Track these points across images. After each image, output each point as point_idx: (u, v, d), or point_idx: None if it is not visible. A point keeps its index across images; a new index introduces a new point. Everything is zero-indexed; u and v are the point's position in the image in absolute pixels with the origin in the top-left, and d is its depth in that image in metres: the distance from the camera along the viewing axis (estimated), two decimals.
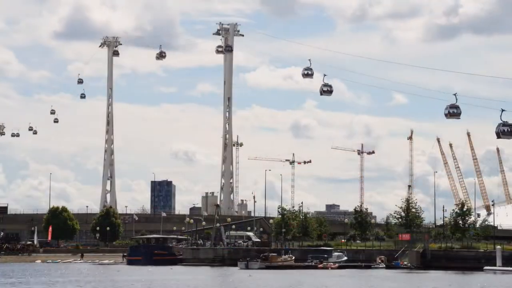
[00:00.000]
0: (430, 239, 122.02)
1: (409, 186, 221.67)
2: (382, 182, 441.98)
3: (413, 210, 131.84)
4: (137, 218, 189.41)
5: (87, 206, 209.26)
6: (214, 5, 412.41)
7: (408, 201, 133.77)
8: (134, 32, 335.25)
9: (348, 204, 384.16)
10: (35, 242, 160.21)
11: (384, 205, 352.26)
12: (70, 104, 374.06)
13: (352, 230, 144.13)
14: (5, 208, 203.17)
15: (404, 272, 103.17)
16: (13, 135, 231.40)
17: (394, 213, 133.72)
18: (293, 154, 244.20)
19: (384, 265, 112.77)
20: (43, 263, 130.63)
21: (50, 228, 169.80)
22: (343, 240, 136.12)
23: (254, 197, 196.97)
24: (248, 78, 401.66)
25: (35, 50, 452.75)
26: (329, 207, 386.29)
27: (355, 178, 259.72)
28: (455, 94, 59.22)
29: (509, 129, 54.89)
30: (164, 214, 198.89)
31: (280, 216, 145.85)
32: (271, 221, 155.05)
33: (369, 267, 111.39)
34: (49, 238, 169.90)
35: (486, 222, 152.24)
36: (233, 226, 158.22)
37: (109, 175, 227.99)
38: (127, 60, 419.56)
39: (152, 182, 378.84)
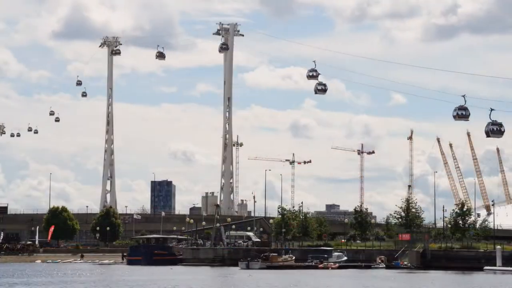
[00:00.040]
0: (430, 239, 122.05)
1: (409, 186, 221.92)
2: (382, 182, 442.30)
3: (413, 210, 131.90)
4: (140, 217, 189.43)
5: (87, 206, 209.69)
6: (214, 5, 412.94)
7: (408, 201, 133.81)
8: (133, 32, 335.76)
9: (348, 204, 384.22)
10: (36, 242, 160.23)
11: (384, 205, 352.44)
12: (70, 104, 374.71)
13: (352, 230, 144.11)
14: (5, 208, 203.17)
15: (404, 272, 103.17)
16: (12, 135, 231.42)
17: (394, 213, 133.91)
18: (293, 154, 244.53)
19: (384, 265, 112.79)
20: (43, 263, 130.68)
21: (51, 228, 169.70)
22: (343, 240, 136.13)
23: (254, 197, 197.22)
24: (247, 78, 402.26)
25: (34, 50, 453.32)
26: (329, 207, 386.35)
27: (355, 178, 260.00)
28: (463, 96, 58.69)
29: (498, 128, 55.94)
30: (164, 214, 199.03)
31: (280, 216, 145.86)
32: (271, 221, 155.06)
33: (369, 267, 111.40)
34: (49, 238, 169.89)
35: (486, 222, 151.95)
36: (233, 226, 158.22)
37: (109, 175, 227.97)
38: (127, 60, 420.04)
39: (152, 182, 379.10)
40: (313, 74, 79.76)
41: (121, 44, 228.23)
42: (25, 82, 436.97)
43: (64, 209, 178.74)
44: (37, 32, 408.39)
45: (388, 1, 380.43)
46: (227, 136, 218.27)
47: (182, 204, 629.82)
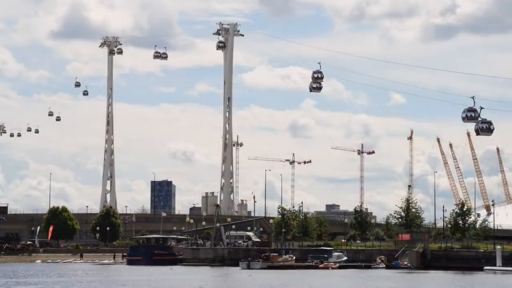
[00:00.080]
0: (430, 239, 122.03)
1: (409, 186, 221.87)
2: (382, 182, 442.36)
3: (413, 210, 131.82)
4: (134, 220, 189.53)
5: (87, 206, 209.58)
6: (213, 4, 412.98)
7: (408, 201, 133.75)
8: (132, 32, 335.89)
9: (348, 204, 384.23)
10: (36, 242, 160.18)
11: (384, 205, 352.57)
12: (70, 104, 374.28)
13: (352, 230, 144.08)
14: (5, 208, 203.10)
15: (404, 272, 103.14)
16: (11, 135, 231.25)
17: (394, 213, 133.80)
18: (293, 154, 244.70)
19: (384, 265, 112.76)
20: (43, 263, 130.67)
21: (51, 228, 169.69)
22: (343, 240, 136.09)
23: (254, 197, 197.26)
24: (245, 78, 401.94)
25: (33, 50, 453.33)
26: (329, 207, 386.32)
27: (355, 178, 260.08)
28: (473, 97, 58.58)
29: (487, 126, 56.81)
30: (164, 214, 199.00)
31: (280, 216, 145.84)
32: (271, 221, 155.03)
33: (369, 267, 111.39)
34: (49, 238, 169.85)
35: (486, 222, 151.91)
36: (233, 226, 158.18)
37: (109, 175, 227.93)
38: (127, 60, 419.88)
39: (152, 182, 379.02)
40: (318, 76, 79.74)
41: (121, 44, 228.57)
42: (24, 82, 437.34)
43: (64, 209, 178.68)
44: (36, 32, 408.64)
45: (387, 1, 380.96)
46: (227, 136, 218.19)
47: (182, 204, 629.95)
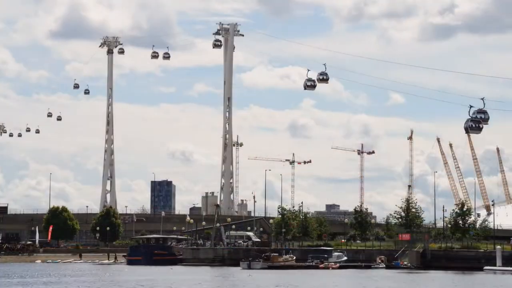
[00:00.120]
0: (430, 239, 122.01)
1: (409, 186, 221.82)
2: (382, 182, 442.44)
3: (413, 210, 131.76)
4: (135, 220, 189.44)
5: (87, 206, 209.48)
6: (212, 4, 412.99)
7: (408, 201, 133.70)
8: (131, 31, 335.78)
9: (348, 204, 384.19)
10: (36, 242, 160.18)
11: (384, 205, 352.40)
12: (69, 104, 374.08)
13: (352, 230, 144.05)
14: (5, 208, 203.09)
15: (404, 272, 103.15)
16: (11, 135, 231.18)
17: (394, 213, 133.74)
18: (293, 154, 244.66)
19: (384, 265, 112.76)
20: (43, 263, 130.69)
21: (50, 228, 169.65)
22: (343, 240, 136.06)
23: (254, 197, 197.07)
24: (244, 78, 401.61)
25: (32, 50, 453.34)
26: (329, 207, 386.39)
27: (355, 178, 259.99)
28: (482, 99, 58.52)
29: (476, 125, 57.16)
30: (164, 214, 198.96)
31: (280, 216, 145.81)
32: (271, 221, 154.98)
33: (369, 267, 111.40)
34: (49, 238, 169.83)
35: (486, 222, 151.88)
36: (233, 226, 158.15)
37: (109, 175, 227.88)
38: (126, 60, 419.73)
39: (152, 182, 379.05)
40: (323, 77, 79.79)
41: (121, 44, 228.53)
42: (24, 82, 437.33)
43: (64, 209, 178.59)
44: (36, 32, 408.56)
45: (385, 1, 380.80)
46: (227, 136, 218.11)
47: (182, 204, 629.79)
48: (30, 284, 72.64)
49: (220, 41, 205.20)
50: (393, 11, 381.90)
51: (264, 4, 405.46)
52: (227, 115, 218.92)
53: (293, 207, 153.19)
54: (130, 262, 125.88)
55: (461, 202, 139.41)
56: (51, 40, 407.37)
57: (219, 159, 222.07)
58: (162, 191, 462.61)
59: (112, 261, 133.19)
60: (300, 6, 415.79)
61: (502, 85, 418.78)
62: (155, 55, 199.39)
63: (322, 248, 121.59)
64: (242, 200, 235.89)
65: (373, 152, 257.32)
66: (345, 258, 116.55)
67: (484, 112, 58.92)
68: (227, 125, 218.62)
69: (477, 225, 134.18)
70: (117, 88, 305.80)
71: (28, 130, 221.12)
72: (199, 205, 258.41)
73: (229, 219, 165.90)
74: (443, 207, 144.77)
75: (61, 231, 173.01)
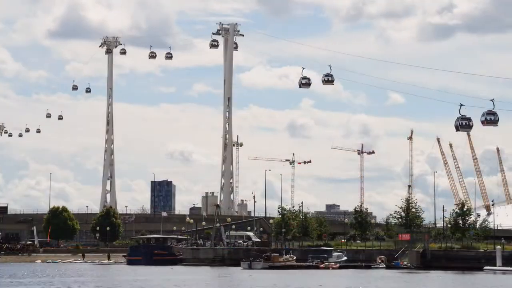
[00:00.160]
0: (430, 239, 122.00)
1: (409, 186, 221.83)
2: (381, 182, 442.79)
3: (413, 210, 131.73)
4: (133, 219, 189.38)
5: (87, 206, 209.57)
6: (212, 4, 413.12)
7: (408, 201, 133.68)
8: (130, 31, 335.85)
9: (348, 204, 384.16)
10: (35, 242, 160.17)
11: (384, 205, 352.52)
12: (69, 104, 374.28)
13: (352, 230, 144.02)
14: (5, 208, 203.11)
15: (404, 272, 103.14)
16: (10, 135, 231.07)
17: (394, 213, 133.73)
18: (293, 154, 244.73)
19: (384, 265, 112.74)
20: (43, 263, 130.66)
21: (50, 228, 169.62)
22: (343, 240, 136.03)
23: (254, 197, 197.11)
24: (242, 78, 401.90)
25: (31, 50, 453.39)
26: (329, 207, 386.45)
27: (355, 178, 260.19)
28: (492, 100, 58.36)
29: (466, 123, 57.85)
30: (164, 214, 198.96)
31: (280, 216, 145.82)
32: (271, 221, 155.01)
33: (369, 267, 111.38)
34: (48, 238, 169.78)
35: (486, 222, 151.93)
36: (233, 226, 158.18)
37: (109, 175, 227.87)
38: (126, 60, 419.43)
39: (152, 182, 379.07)
40: (328, 79, 79.70)
41: (121, 44, 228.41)
42: (23, 82, 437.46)
43: (64, 209, 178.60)
44: (34, 32, 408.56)
45: (384, 1, 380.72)
46: (227, 136, 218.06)
47: (182, 204, 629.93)
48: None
49: (217, 41, 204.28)
50: (392, 11, 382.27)
51: (264, 4, 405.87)
52: (227, 115, 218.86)
53: (293, 207, 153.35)
54: (130, 262, 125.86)
55: (461, 202, 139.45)
56: (50, 40, 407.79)
57: (219, 159, 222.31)
58: (162, 191, 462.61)
59: (112, 261, 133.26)
60: (299, 6, 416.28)
61: (501, 84, 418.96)
62: (152, 55, 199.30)
63: (322, 248, 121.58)
64: (242, 200, 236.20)
65: (373, 152, 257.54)
66: (345, 258, 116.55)
67: (494, 114, 58.66)
68: (227, 125, 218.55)
69: (477, 225, 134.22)
70: (117, 88, 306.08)
71: (27, 130, 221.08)
72: (199, 205, 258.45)
73: (229, 219, 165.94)
74: (443, 207, 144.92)
75: (61, 231, 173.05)
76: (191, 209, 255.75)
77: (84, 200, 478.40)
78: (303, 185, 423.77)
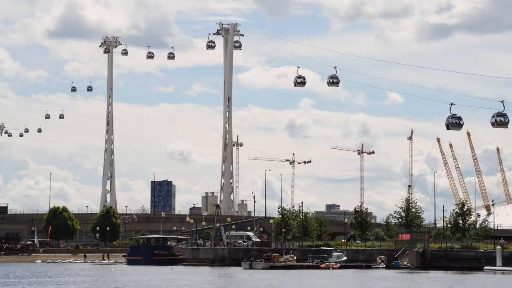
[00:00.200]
0: (430, 239, 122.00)
1: (409, 186, 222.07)
2: (381, 182, 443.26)
3: (413, 210, 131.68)
4: (136, 219, 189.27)
5: (87, 206, 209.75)
6: (211, 4, 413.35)
7: (408, 201, 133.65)
8: (129, 31, 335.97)
9: (348, 204, 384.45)
10: (35, 242, 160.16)
11: (383, 205, 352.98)
12: (69, 104, 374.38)
13: (352, 230, 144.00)
14: (5, 208, 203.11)
15: (404, 272, 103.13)
16: (9, 135, 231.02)
17: (394, 213, 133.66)
18: (293, 154, 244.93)
19: (384, 265, 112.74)
20: (43, 263, 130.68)
21: (50, 228, 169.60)
22: (343, 240, 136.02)
23: (254, 197, 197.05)
24: (241, 78, 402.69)
25: (30, 50, 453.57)
26: (329, 207, 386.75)
27: (354, 178, 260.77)
28: (502, 101, 58.19)
29: (457, 121, 58.58)
30: (164, 214, 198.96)
31: (280, 216, 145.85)
32: (271, 221, 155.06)
33: (369, 267, 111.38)
34: (48, 238, 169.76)
35: (486, 222, 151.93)
36: (233, 226, 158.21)
37: (109, 175, 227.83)
38: (125, 60, 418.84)
39: (152, 182, 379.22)
40: (333, 81, 79.58)
41: (121, 44, 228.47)
42: (22, 82, 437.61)
43: (64, 209, 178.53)
44: (33, 32, 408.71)
45: (382, 1, 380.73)
46: (227, 136, 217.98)
47: (182, 204, 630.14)
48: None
49: (214, 42, 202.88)
50: (390, 11, 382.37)
51: (262, 4, 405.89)
52: (227, 115, 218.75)
53: (293, 207, 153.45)
54: (130, 262, 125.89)
55: (461, 202, 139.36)
56: (49, 40, 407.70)
57: (218, 159, 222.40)
58: (162, 191, 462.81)
59: (113, 261, 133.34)
60: (298, 6, 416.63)
61: (501, 84, 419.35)
62: (150, 56, 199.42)
63: (322, 248, 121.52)
64: (242, 200, 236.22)
65: (373, 152, 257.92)
66: (345, 258, 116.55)
67: (504, 115, 58.43)
68: (227, 125, 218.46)
69: (477, 225, 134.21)
70: (116, 88, 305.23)
71: (26, 130, 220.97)
72: (199, 205, 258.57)
73: (229, 219, 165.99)
74: (443, 207, 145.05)
75: (61, 231, 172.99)
76: (191, 209, 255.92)
77: (83, 200, 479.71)
78: (303, 185, 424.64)
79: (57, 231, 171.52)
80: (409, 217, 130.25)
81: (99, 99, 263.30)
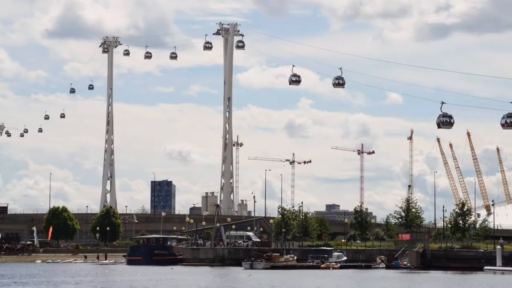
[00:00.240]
0: (430, 239, 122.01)
1: (409, 186, 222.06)
2: (380, 182, 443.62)
3: (413, 210, 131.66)
4: (136, 221, 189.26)
5: (87, 206, 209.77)
6: (210, 4, 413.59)
7: (408, 201, 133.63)
8: (128, 31, 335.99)
9: (348, 204, 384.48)
10: (35, 242, 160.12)
11: (383, 204, 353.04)
12: (68, 104, 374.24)
13: (352, 230, 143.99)
14: (5, 208, 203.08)
15: (404, 272, 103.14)
16: (8, 135, 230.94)
17: (394, 213, 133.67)
18: (293, 154, 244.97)
19: (384, 265, 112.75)
20: (43, 263, 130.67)
21: (51, 228, 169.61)
22: (343, 240, 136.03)
23: (254, 197, 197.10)
24: (240, 78, 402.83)
25: (30, 50, 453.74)
26: (329, 207, 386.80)
27: (354, 178, 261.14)
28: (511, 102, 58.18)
29: (448, 120, 59.16)
30: (164, 214, 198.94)
31: (280, 216, 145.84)
32: (271, 221, 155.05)
33: (369, 267, 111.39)
34: (49, 238, 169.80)
35: (486, 222, 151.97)
36: (233, 226, 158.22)
37: (109, 175, 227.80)
38: (124, 60, 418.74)
39: (152, 182, 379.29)
40: (339, 82, 79.51)
41: (121, 44, 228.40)
42: (22, 82, 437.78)
43: (64, 209, 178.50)
44: (32, 32, 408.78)
45: (381, 1, 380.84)
46: (227, 136, 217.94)
47: (182, 204, 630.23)
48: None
49: (211, 44, 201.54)
50: (389, 11, 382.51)
51: (261, 4, 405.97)
52: (227, 115, 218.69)
53: (293, 207, 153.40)
54: (130, 262, 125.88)
55: (461, 202, 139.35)
56: (48, 40, 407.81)
57: (218, 159, 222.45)
58: (162, 191, 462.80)
59: (113, 261, 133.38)
60: (297, 5, 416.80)
61: (501, 84, 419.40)
62: (148, 56, 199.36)
63: (322, 248, 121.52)
64: (242, 200, 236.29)
65: (373, 152, 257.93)
66: (345, 258, 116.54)
67: None
68: (227, 125, 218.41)
69: (477, 225, 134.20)
70: (115, 88, 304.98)
71: (26, 131, 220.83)
72: (199, 205, 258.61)
73: (229, 219, 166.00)
74: (443, 207, 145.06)
75: (61, 231, 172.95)
76: (191, 209, 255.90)
77: (82, 200, 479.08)
78: (302, 185, 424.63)
79: (57, 231, 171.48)
80: (409, 217, 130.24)
81: (99, 99, 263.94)
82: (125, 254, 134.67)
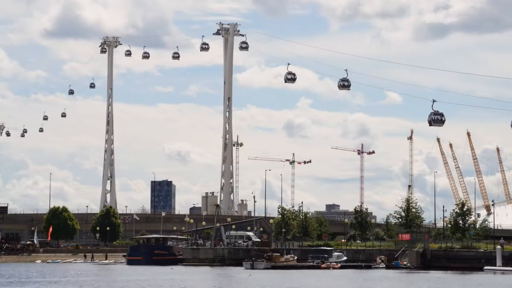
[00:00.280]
0: (430, 239, 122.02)
1: (409, 186, 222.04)
2: (380, 182, 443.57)
3: (413, 210, 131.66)
4: (138, 218, 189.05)
5: (87, 206, 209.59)
6: (209, 4, 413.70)
7: (408, 201, 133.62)
8: (127, 30, 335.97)
9: (348, 204, 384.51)
10: (35, 242, 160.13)
11: (382, 204, 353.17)
12: (68, 104, 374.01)
13: (352, 230, 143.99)
14: (5, 208, 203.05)
15: (404, 272, 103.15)
16: (8, 135, 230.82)
17: (394, 213, 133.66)
18: (293, 154, 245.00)
19: (384, 265, 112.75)
20: (43, 263, 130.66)
21: (51, 228, 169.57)
22: (343, 240, 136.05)
23: (254, 197, 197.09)
24: (239, 78, 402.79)
25: (29, 50, 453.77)
26: (329, 207, 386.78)
27: (354, 178, 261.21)
28: None
29: (439, 118, 59.99)
30: (164, 214, 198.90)
31: (280, 216, 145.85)
32: (271, 221, 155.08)
33: (369, 267, 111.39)
34: (49, 238, 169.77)
35: (486, 222, 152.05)
36: (233, 226, 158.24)
37: (109, 175, 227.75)
38: (123, 60, 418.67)
39: (152, 182, 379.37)
40: (344, 84, 79.54)
41: (121, 44, 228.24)
42: (21, 82, 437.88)
43: (64, 209, 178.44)
44: (31, 32, 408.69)
45: (379, 1, 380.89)
46: (227, 136, 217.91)
47: (182, 204, 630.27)
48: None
49: (208, 44, 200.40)
50: (387, 11, 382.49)
51: (261, 4, 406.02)
52: (227, 115, 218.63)
53: (293, 207, 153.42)
54: (130, 262, 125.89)
55: (461, 202, 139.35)
56: (47, 40, 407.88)
57: (218, 159, 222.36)
58: (162, 191, 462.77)
59: (112, 261, 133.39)
60: (296, 5, 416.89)
61: (500, 84, 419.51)
62: (146, 56, 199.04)
63: (322, 248, 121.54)
64: (242, 200, 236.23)
65: (373, 152, 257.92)
66: (345, 258, 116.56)
67: None
68: (227, 125, 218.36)
69: (477, 225, 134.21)
70: (114, 88, 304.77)
71: (25, 131, 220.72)
72: (199, 205, 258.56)
73: (229, 219, 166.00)
74: (443, 207, 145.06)
75: (61, 231, 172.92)
76: (191, 209, 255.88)
77: (82, 200, 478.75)
78: (302, 185, 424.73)
79: (57, 231, 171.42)
80: (409, 217, 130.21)
81: (99, 99, 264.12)
82: (125, 254, 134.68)
